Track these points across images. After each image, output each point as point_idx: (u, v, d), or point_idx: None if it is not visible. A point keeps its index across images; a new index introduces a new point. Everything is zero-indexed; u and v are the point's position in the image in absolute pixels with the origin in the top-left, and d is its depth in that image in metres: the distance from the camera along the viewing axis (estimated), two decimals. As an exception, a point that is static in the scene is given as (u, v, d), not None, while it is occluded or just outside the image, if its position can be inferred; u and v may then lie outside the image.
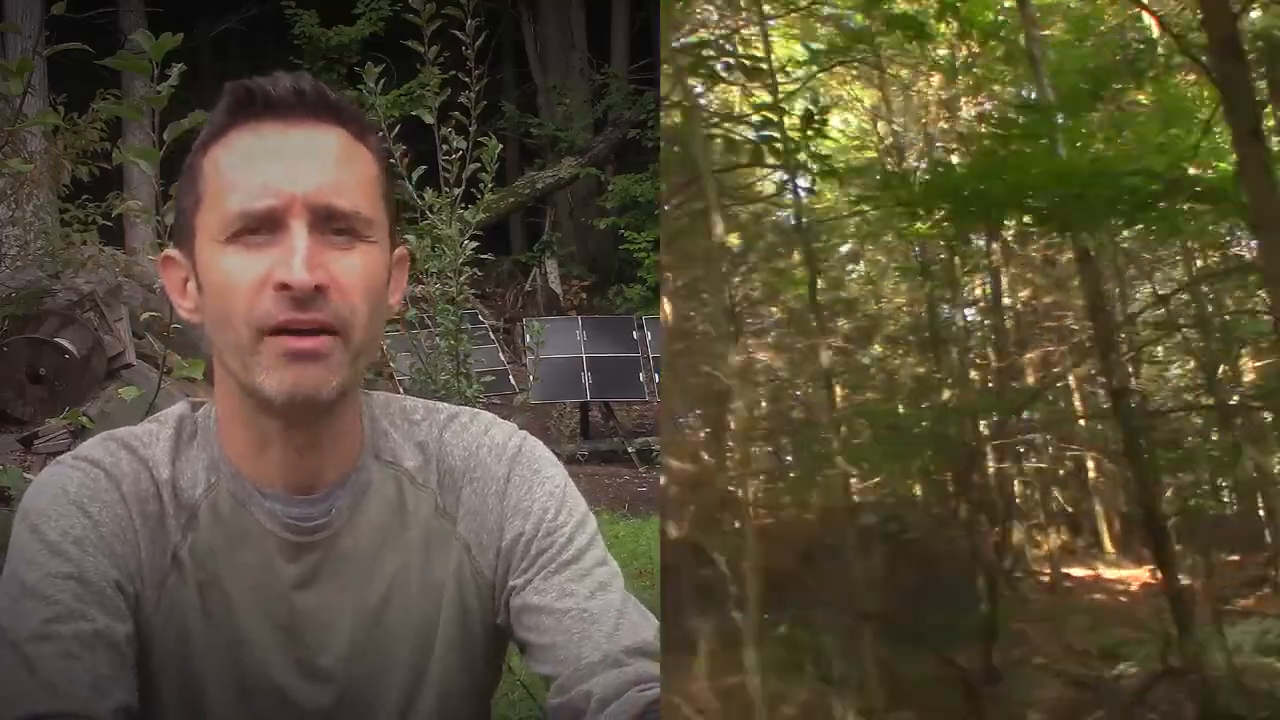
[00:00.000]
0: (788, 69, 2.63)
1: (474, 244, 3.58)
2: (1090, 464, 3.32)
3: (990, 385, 3.00)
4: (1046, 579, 3.19)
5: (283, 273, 1.18)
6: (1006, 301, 3.04)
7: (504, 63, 17.72)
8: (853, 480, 2.92)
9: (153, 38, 2.21)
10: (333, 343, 1.21)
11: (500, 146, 3.64)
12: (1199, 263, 2.83)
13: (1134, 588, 3.13)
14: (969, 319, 3.07)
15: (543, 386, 9.37)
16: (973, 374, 3.06)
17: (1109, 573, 3.29)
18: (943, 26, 2.65)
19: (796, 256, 2.83)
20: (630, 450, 9.91)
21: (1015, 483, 3.27)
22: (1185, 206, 2.26)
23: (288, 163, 1.22)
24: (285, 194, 1.20)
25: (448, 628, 1.33)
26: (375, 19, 15.48)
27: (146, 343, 8.23)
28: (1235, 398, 2.91)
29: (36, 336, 8.46)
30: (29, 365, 8.43)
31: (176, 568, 1.27)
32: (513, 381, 10.32)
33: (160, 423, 1.33)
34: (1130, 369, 2.72)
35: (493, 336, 11.35)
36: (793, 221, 2.75)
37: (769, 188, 2.80)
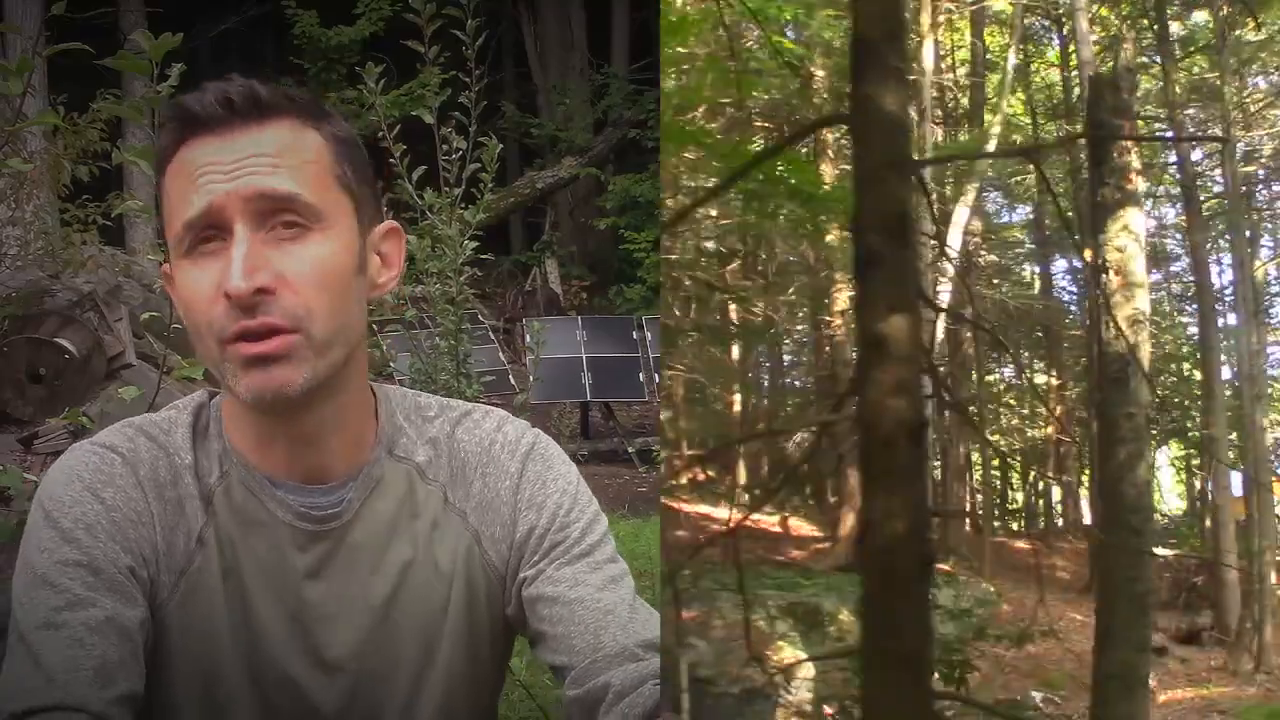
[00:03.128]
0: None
1: (474, 244, 3.58)
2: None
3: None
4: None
5: (225, 282, 1.18)
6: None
7: (504, 63, 17.72)
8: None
9: (152, 38, 2.22)
10: (292, 341, 1.20)
11: (500, 146, 3.63)
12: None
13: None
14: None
15: (543, 386, 9.35)
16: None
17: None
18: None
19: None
20: (630, 450, 9.90)
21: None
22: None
23: (223, 168, 1.21)
24: (219, 194, 1.20)
25: (455, 620, 1.34)
26: (375, 19, 15.49)
27: (146, 343, 8.23)
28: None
29: (36, 336, 8.45)
30: (29, 365, 8.43)
31: (202, 551, 1.28)
32: (513, 381, 10.32)
33: (179, 409, 1.35)
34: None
35: (493, 336, 11.35)
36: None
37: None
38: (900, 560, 1.44)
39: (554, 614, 1.29)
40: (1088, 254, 2.44)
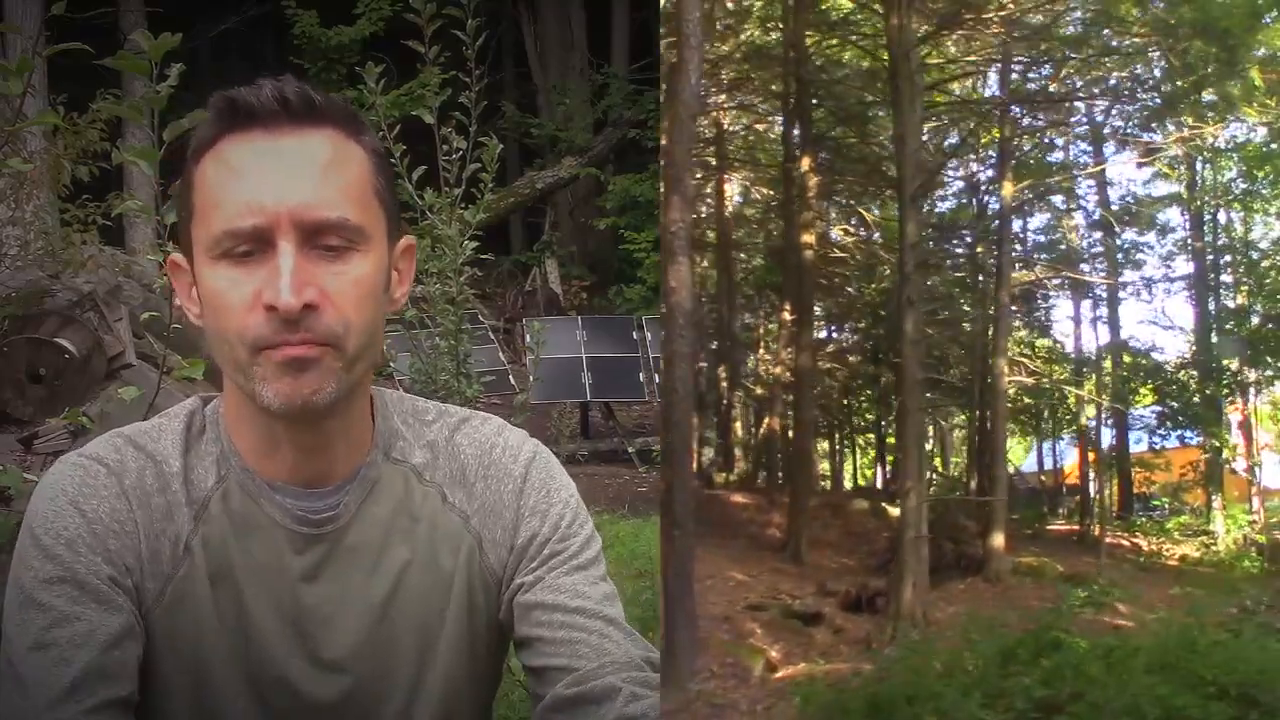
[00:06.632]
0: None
1: (474, 244, 3.57)
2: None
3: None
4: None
5: (270, 295, 1.18)
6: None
7: (504, 63, 17.72)
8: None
9: (152, 38, 2.21)
10: (326, 351, 1.21)
11: (500, 146, 3.62)
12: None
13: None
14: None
15: (543, 386, 9.35)
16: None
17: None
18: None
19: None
20: (630, 450, 9.91)
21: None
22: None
23: (273, 177, 1.20)
24: (270, 212, 1.19)
25: (454, 622, 1.34)
26: (375, 19, 15.51)
27: (146, 343, 8.23)
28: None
29: (36, 336, 8.45)
30: (29, 365, 8.43)
31: (189, 558, 1.28)
32: (513, 381, 10.32)
33: (169, 417, 1.35)
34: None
35: (493, 336, 11.35)
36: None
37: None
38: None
39: (555, 620, 1.29)
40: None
